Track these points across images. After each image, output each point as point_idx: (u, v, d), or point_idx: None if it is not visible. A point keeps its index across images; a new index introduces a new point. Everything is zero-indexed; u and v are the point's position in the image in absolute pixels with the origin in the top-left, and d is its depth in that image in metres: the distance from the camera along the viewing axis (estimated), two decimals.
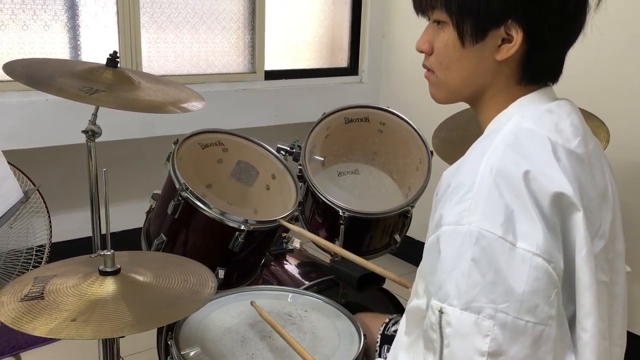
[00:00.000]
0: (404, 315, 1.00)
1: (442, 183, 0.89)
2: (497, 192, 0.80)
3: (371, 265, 1.48)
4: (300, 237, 1.80)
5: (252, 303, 1.40)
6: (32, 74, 1.57)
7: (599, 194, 0.92)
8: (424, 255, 0.89)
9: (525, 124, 0.88)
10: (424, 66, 0.98)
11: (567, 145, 0.87)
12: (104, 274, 1.15)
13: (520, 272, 0.77)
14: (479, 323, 0.77)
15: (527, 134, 0.86)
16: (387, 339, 1.30)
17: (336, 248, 1.64)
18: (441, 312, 0.80)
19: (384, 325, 1.35)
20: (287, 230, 1.74)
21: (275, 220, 1.61)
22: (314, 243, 1.72)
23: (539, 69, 0.92)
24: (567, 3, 0.87)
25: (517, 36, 0.87)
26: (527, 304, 0.77)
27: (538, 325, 0.78)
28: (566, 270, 0.82)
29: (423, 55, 0.97)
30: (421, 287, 0.93)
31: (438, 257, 0.82)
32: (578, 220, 0.82)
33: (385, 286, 1.64)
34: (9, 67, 1.55)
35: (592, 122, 1.79)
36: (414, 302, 0.95)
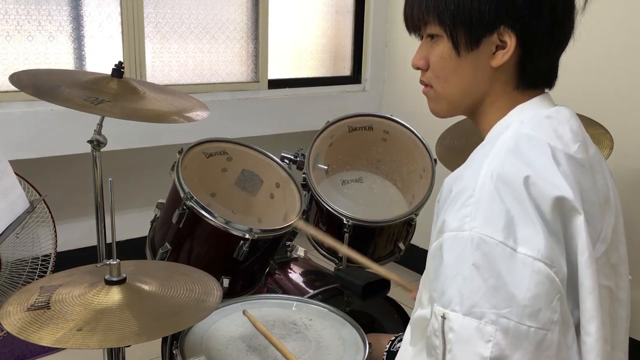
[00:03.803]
0: (409, 325, 1.00)
1: (444, 189, 0.89)
2: (498, 197, 0.81)
3: (378, 268, 1.49)
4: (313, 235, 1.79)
5: (244, 312, 1.40)
6: (38, 84, 1.58)
7: (600, 199, 0.92)
8: (427, 263, 0.89)
9: (525, 130, 0.89)
10: (422, 82, 0.99)
11: (566, 150, 0.88)
12: (109, 283, 1.15)
13: (521, 277, 0.77)
14: (481, 328, 0.77)
15: (527, 140, 0.87)
16: (393, 356, 1.30)
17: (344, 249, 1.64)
18: (444, 317, 0.80)
19: (390, 342, 1.35)
20: (292, 238, 1.74)
21: (280, 228, 1.61)
22: (321, 247, 1.70)
23: (535, 73, 0.93)
24: (556, 6, 0.89)
25: (511, 41, 0.89)
26: (529, 309, 0.77)
27: (540, 330, 0.78)
28: (570, 275, 0.82)
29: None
30: (425, 297, 0.93)
31: (441, 263, 0.83)
32: (579, 224, 0.83)
33: (389, 294, 1.64)
34: (15, 78, 1.56)
35: (596, 129, 1.79)
36: (419, 312, 0.95)
